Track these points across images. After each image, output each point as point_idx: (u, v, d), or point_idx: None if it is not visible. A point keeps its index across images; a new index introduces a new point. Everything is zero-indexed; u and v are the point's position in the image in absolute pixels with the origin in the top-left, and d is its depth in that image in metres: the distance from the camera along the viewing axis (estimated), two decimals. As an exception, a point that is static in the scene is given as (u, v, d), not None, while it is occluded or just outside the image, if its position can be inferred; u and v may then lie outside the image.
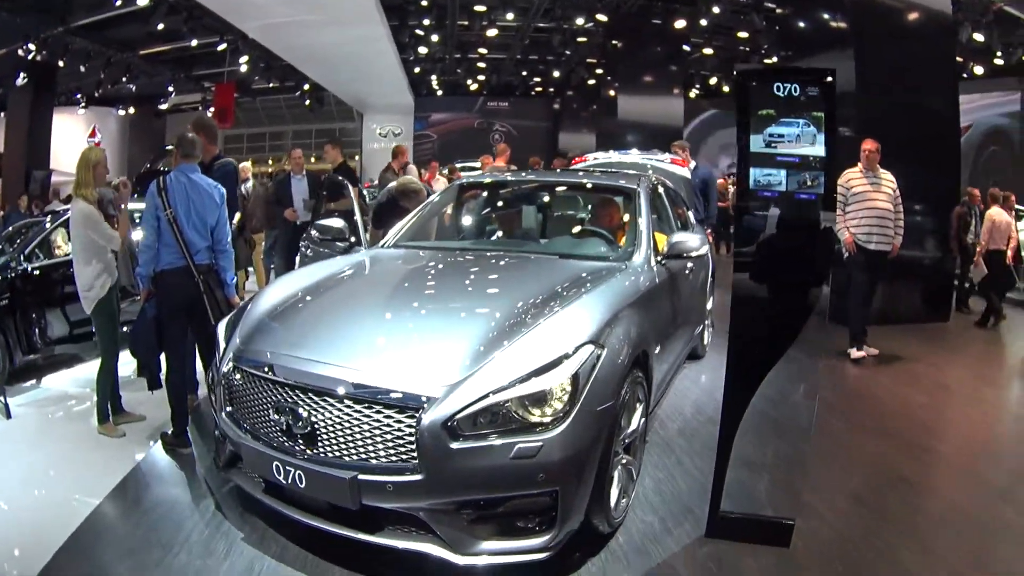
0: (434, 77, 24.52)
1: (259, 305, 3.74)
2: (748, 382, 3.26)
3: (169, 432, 4.54)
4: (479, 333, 3.09)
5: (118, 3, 13.83)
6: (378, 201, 6.48)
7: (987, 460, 4.79)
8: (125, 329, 5.16)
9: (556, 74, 24.17)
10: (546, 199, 5.57)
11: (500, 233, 5.27)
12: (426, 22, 16.92)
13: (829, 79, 3.03)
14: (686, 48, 19.63)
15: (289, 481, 2.99)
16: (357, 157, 25.33)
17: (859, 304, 6.84)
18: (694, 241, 4.25)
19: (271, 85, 23.40)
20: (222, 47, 16.81)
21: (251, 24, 13.46)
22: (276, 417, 3.07)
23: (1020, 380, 7.01)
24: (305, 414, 2.97)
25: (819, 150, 3.04)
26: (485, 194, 5.57)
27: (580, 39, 19.46)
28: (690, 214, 6.44)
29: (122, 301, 5.15)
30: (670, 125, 17.24)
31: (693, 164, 8.35)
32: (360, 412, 2.90)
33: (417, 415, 2.80)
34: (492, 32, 17.69)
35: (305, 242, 6.73)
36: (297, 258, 6.89)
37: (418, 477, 2.77)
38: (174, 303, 4.53)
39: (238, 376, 3.31)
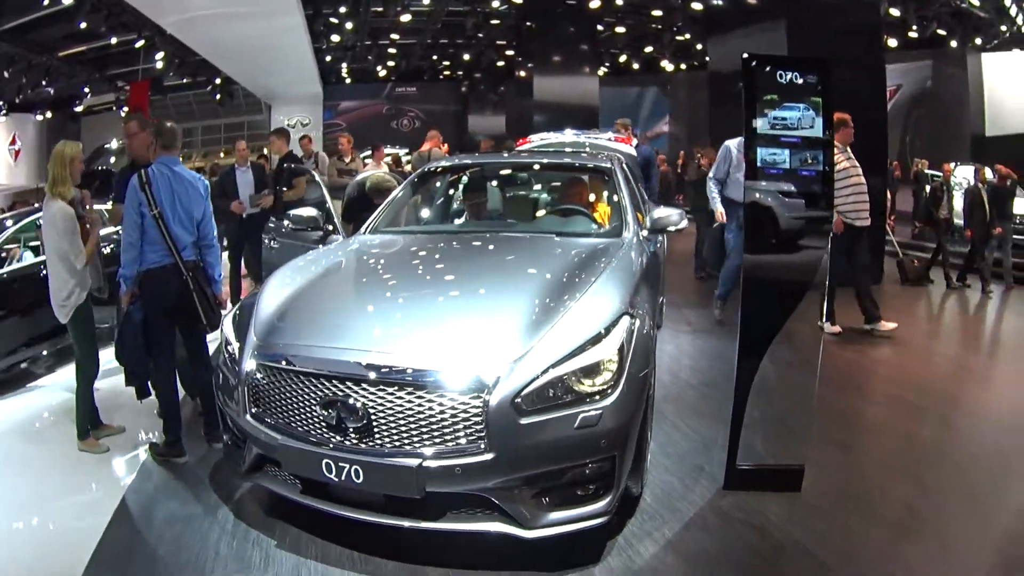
0: (344, 65, 24.20)
1: (271, 300, 3.62)
2: (758, 345, 3.59)
3: (161, 442, 4.32)
4: (524, 310, 3.17)
5: (45, 2, 13.21)
6: (348, 195, 6.48)
7: (945, 403, 5.37)
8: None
9: (466, 57, 24.20)
10: (526, 180, 5.68)
11: (486, 215, 5.36)
12: (342, 10, 16.71)
13: (825, 67, 3.34)
14: (600, 28, 19.95)
15: (343, 478, 2.93)
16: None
17: (835, 283, 6.70)
18: (675, 216, 4.50)
19: (184, 81, 22.70)
20: (140, 44, 16.23)
21: (169, 19, 13.06)
22: (324, 412, 3.00)
23: (954, 330, 7.72)
24: (359, 406, 2.92)
25: (818, 132, 3.36)
26: (463, 177, 5.61)
27: (494, 21, 19.54)
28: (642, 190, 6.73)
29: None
30: (586, 105, 17.57)
31: (635, 142, 8.60)
32: (422, 398, 2.88)
33: (484, 395, 2.84)
34: (406, 17, 17.60)
35: (269, 234, 6.69)
36: (263, 251, 6.84)
37: (488, 456, 2.81)
38: (162, 304, 4.25)
39: (262, 375, 3.21)
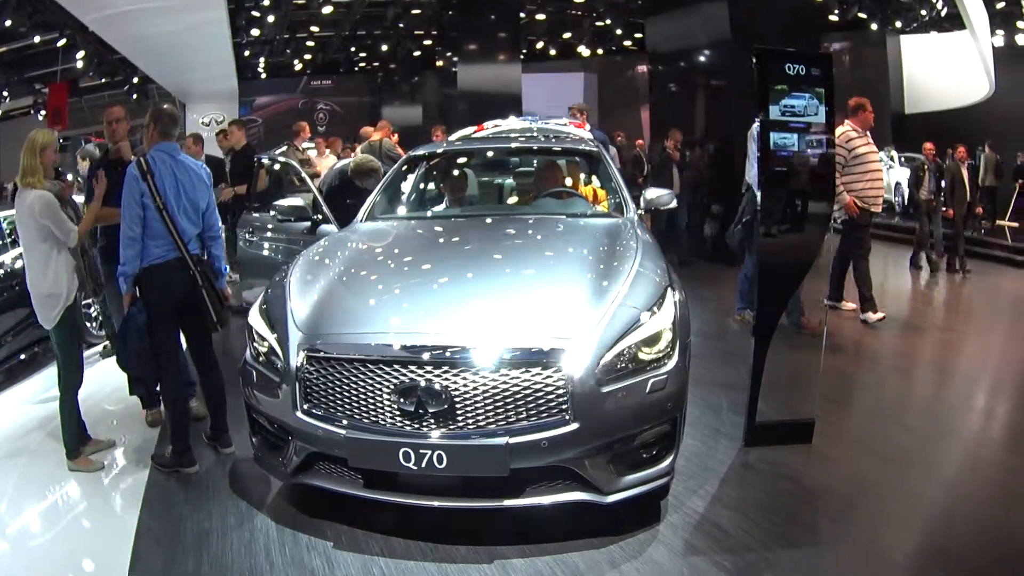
0: (262, 59, 23.68)
1: (305, 292, 3.54)
2: (778, 300, 3.98)
3: (167, 452, 4.05)
4: (584, 286, 3.32)
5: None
6: (328, 183, 6.41)
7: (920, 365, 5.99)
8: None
9: (384, 48, 24.04)
10: (520, 164, 5.80)
11: (485, 199, 5.50)
12: (265, 2, 16.40)
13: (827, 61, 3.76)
14: (521, 15, 20.12)
15: (423, 465, 2.93)
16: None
17: (866, 268, 6.80)
18: (667, 196, 4.78)
19: (101, 82, 21.81)
20: (62, 43, 15.56)
21: (92, 16, 12.59)
22: (399, 400, 2.99)
23: (913, 301, 8.43)
24: (440, 390, 2.97)
25: (821, 118, 3.76)
26: (455, 162, 5.65)
27: (415, 11, 19.49)
28: None
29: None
30: (509, 93, 17.67)
31: (588, 127, 8.89)
32: (508, 376, 2.95)
33: (568, 368, 2.95)
34: (328, 9, 17.41)
35: (245, 228, 6.59)
36: (239, 246, 6.73)
37: (573, 427, 2.92)
38: (168, 301, 3.97)
39: (316, 369, 3.15)
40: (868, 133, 6.59)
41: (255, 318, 3.60)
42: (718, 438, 4.21)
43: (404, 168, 5.37)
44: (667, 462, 3.21)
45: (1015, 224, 12.53)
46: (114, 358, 4.82)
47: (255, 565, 3.07)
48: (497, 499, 3.04)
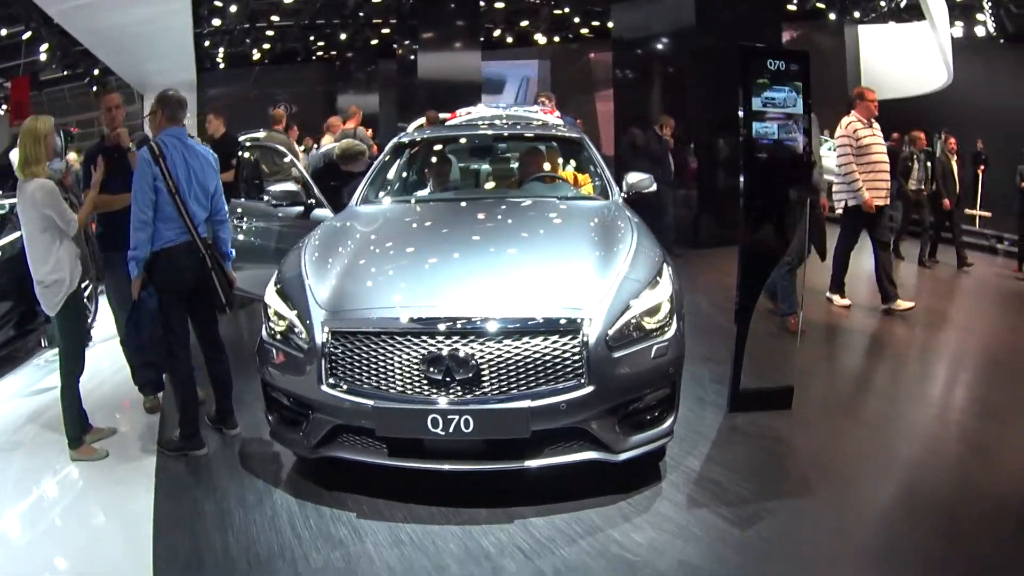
0: (221, 50, 23.38)
1: (323, 270, 3.69)
2: (758, 276, 4.32)
3: (174, 436, 4.14)
4: (591, 260, 3.60)
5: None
6: (314, 166, 6.54)
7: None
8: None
9: (342, 37, 23.92)
10: (508, 150, 5.99)
11: (474, 182, 5.73)
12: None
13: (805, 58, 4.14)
14: (481, 3, 20.22)
15: (450, 430, 3.12)
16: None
17: (846, 255, 6.86)
18: (647, 181, 5.02)
19: (63, 74, 21.39)
20: (27, 36, 15.26)
21: (57, 7, 12.40)
22: (428, 369, 3.18)
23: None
24: (466, 358, 3.16)
25: (799, 109, 4.12)
26: (444, 147, 5.80)
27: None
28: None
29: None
30: (469, 81, 17.79)
31: (557, 114, 9.06)
32: (529, 344, 3.20)
33: (583, 335, 3.22)
34: (289, -1, 17.32)
35: (234, 214, 6.63)
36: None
37: (588, 390, 3.19)
38: (179, 285, 4.04)
39: (342, 344, 3.31)
40: (874, 122, 6.51)
41: (272, 298, 3.72)
42: (704, 406, 4.55)
43: (394, 153, 5.50)
44: (668, 423, 3.52)
45: (987, 213, 12.66)
46: (119, 344, 4.87)
47: (282, 539, 3.18)
48: (519, 460, 3.27)
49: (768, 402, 4.39)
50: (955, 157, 10.00)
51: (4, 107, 21.08)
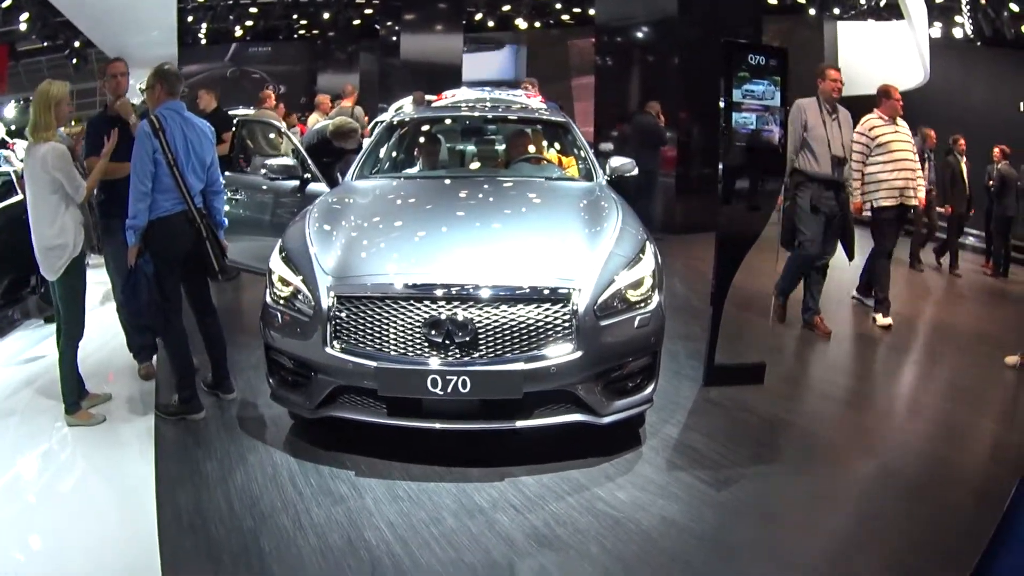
0: (204, 25, 23.14)
1: (327, 239, 3.86)
2: (730, 265, 4.57)
3: (172, 401, 4.25)
4: (580, 235, 3.83)
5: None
6: (308, 141, 6.62)
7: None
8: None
9: (325, 16, 23.79)
10: (496, 131, 6.19)
11: (470, 162, 5.91)
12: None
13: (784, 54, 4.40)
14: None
15: (448, 390, 3.34)
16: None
17: (886, 267, 6.39)
18: (628, 165, 5.22)
19: (44, 45, 21.00)
20: (6, 3, 14.98)
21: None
22: (429, 332, 3.38)
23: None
24: (465, 322, 3.37)
25: (776, 102, 4.39)
26: (434, 127, 6.01)
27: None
28: None
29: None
30: (450, 64, 17.87)
31: (540, 98, 9.17)
32: (522, 310, 3.43)
33: (573, 304, 3.47)
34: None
35: (230, 187, 6.78)
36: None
37: (577, 355, 3.43)
38: (174, 253, 4.16)
39: (346, 308, 3.49)
40: (898, 120, 6.28)
41: (277, 264, 3.89)
42: (680, 379, 4.82)
43: (387, 132, 5.65)
44: (649, 390, 3.79)
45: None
46: (115, 311, 4.94)
47: (285, 495, 3.34)
48: (510, 420, 3.51)
49: (742, 376, 4.67)
50: (964, 159, 9.65)
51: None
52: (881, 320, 6.27)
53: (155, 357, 4.91)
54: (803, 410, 4.54)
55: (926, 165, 8.91)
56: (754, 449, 3.98)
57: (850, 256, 6.11)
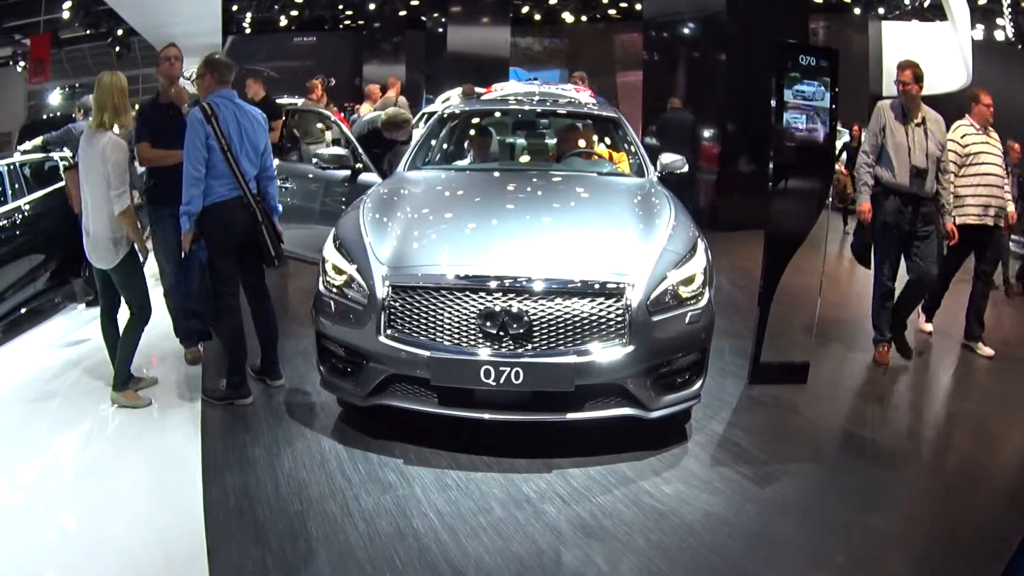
0: (248, 15, 23.48)
1: (381, 229, 3.90)
2: (778, 267, 4.57)
3: (220, 385, 4.27)
4: (634, 231, 3.85)
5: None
6: (359, 131, 6.70)
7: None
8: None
9: (371, 6, 23.95)
10: (545, 125, 6.20)
11: (521, 155, 5.93)
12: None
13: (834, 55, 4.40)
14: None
15: (501, 381, 3.37)
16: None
17: (946, 281, 5.78)
18: (679, 162, 5.20)
19: (87, 33, 21.50)
20: None
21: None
22: (484, 323, 3.41)
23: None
24: (520, 314, 3.41)
25: (826, 103, 4.38)
26: (486, 120, 6.01)
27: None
28: None
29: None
30: (498, 56, 17.94)
31: (589, 93, 9.08)
32: (576, 303, 3.47)
33: (626, 299, 3.50)
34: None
35: (281, 175, 6.87)
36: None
37: (629, 350, 3.47)
38: (230, 238, 4.20)
39: (402, 297, 3.54)
40: (989, 130, 5.65)
41: (331, 252, 3.93)
42: (725, 376, 4.83)
43: (439, 124, 5.65)
44: (697, 385, 3.82)
45: None
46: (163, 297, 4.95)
47: (332, 482, 3.39)
48: (561, 412, 3.54)
49: (785, 376, 4.67)
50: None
51: (21, 63, 21.18)
52: (986, 350, 5.66)
53: (202, 342, 4.94)
54: (846, 411, 4.53)
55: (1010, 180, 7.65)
56: (795, 446, 4.01)
57: (943, 286, 5.38)
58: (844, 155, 11.79)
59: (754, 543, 3.09)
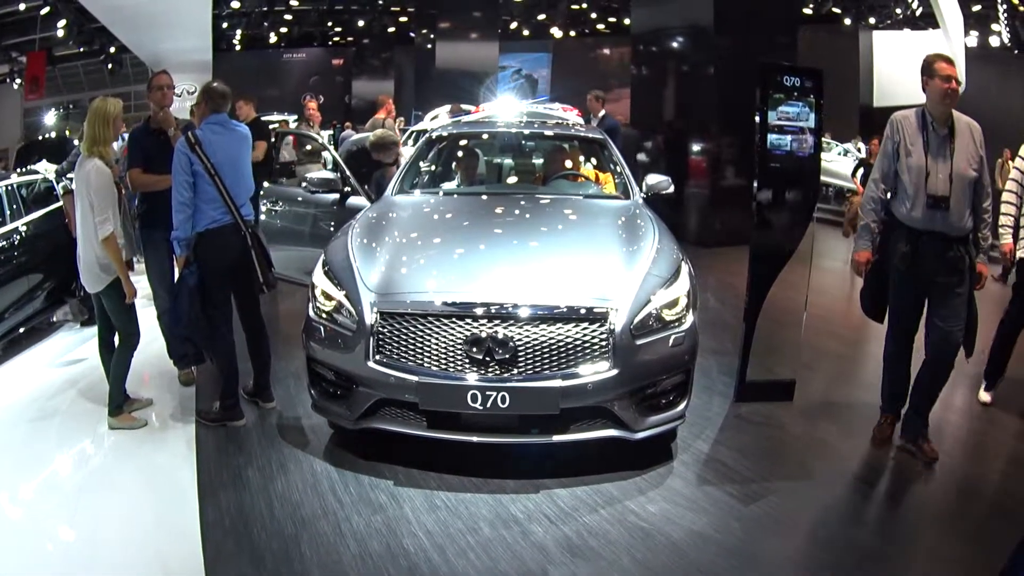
0: (238, 32, 23.61)
1: (369, 255, 3.94)
2: (763, 286, 4.61)
3: (213, 407, 4.34)
4: (618, 255, 3.92)
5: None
6: (347, 151, 6.79)
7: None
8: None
9: (360, 23, 24.12)
10: (534, 148, 6.27)
11: (509, 176, 6.00)
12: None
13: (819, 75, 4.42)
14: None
15: (487, 405, 3.43)
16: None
17: (1013, 330, 4.80)
18: (665, 183, 5.29)
19: (80, 50, 21.62)
20: (45, 10, 15.47)
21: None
22: (470, 349, 3.47)
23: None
24: (505, 340, 3.46)
25: (811, 124, 4.43)
26: (472, 142, 6.06)
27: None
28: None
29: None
30: (486, 72, 18.04)
31: (602, 113, 8.95)
32: (560, 328, 3.53)
33: (610, 323, 3.56)
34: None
35: (270, 198, 6.82)
36: (262, 216, 7.12)
37: (613, 373, 3.53)
38: (223, 264, 4.26)
39: (389, 324, 3.59)
40: None
41: (320, 278, 3.97)
42: (711, 394, 4.88)
43: (427, 146, 5.71)
44: (682, 406, 3.87)
45: None
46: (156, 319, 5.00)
47: (325, 503, 3.45)
48: (547, 435, 3.60)
49: (772, 393, 4.72)
50: None
51: (18, 81, 21.32)
52: (985, 396, 4.87)
53: (196, 365, 4.92)
54: (833, 428, 4.53)
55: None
56: (781, 465, 4.05)
57: (968, 350, 4.10)
58: (860, 172, 11.49)
59: (739, 561, 3.13)
